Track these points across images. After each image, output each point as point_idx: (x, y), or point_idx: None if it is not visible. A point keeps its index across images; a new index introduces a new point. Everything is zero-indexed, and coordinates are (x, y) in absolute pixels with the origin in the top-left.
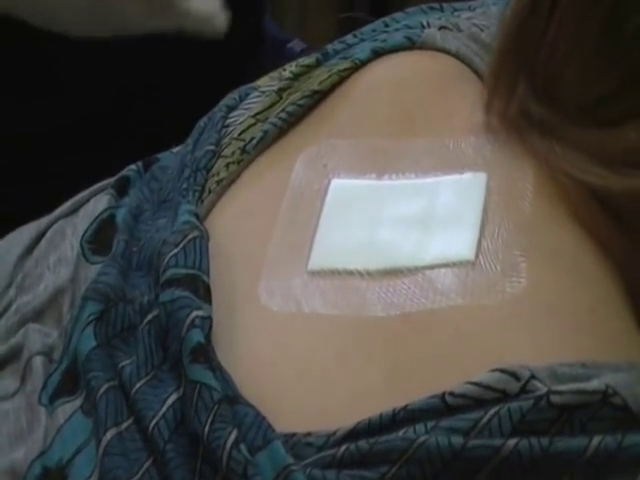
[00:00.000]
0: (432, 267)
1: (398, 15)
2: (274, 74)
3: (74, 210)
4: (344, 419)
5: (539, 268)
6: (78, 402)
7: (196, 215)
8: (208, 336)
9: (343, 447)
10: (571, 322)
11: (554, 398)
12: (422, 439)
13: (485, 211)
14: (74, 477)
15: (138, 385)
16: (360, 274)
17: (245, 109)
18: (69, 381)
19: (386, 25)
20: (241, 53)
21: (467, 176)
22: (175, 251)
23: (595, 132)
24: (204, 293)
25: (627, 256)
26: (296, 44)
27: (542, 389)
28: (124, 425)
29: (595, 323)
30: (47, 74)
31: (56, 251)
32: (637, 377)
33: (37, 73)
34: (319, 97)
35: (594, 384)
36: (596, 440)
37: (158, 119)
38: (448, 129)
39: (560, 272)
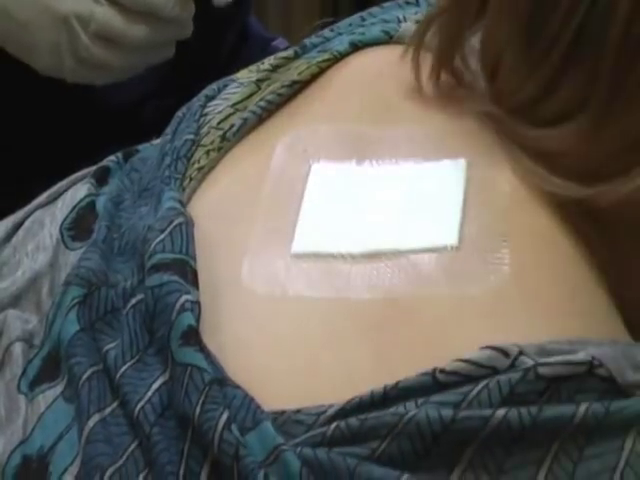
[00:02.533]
0: (416, 252)
1: (374, 10)
2: (252, 67)
3: (52, 200)
4: (333, 398)
5: (520, 253)
6: (59, 388)
7: (180, 201)
8: (197, 320)
9: (333, 425)
10: (554, 307)
11: (542, 369)
12: (412, 413)
13: (465, 196)
14: (55, 465)
15: (123, 369)
16: (343, 257)
17: (224, 99)
18: (50, 366)
19: (363, 19)
20: (226, 51)
21: (447, 162)
22: (161, 237)
23: (532, 130)
24: (192, 278)
25: (606, 250)
26: (280, 42)
27: (530, 363)
28: (108, 410)
29: (578, 307)
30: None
31: (34, 239)
32: (621, 351)
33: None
34: (298, 87)
35: (580, 355)
36: (584, 406)
37: (146, 116)
38: (427, 118)
39: (540, 256)
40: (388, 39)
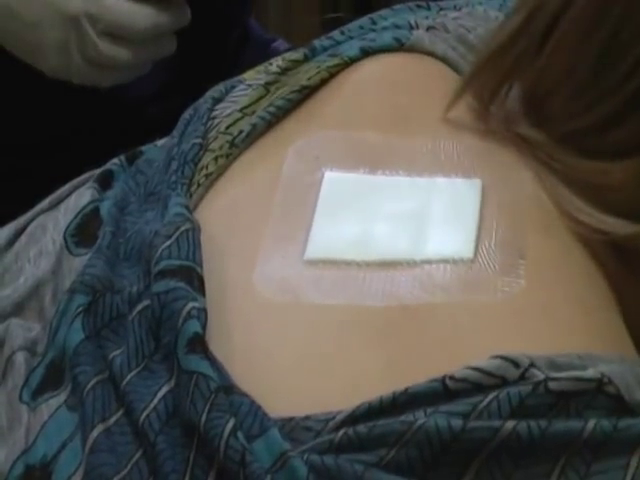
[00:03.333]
0: (431, 262)
1: (385, 12)
2: (260, 68)
3: (55, 205)
4: (343, 405)
5: (536, 269)
6: (63, 397)
7: (187, 207)
8: (204, 327)
9: (341, 432)
10: (566, 323)
11: (552, 384)
12: (421, 422)
13: (482, 212)
14: (59, 473)
15: (129, 377)
16: (358, 264)
17: (231, 102)
18: (53, 374)
19: (373, 22)
20: (227, 53)
21: (462, 180)
22: (168, 243)
23: (580, 162)
24: (198, 285)
25: (622, 277)
26: (280, 44)
27: (540, 376)
28: (112, 419)
29: (589, 325)
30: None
31: (37, 245)
32: (630, 369)
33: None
34: (308, 92)
35: (590, 372)
36: (592, 422)
37: (146, 118)
38: (440, 131)
39: (556, 274)
40: (399, 46)
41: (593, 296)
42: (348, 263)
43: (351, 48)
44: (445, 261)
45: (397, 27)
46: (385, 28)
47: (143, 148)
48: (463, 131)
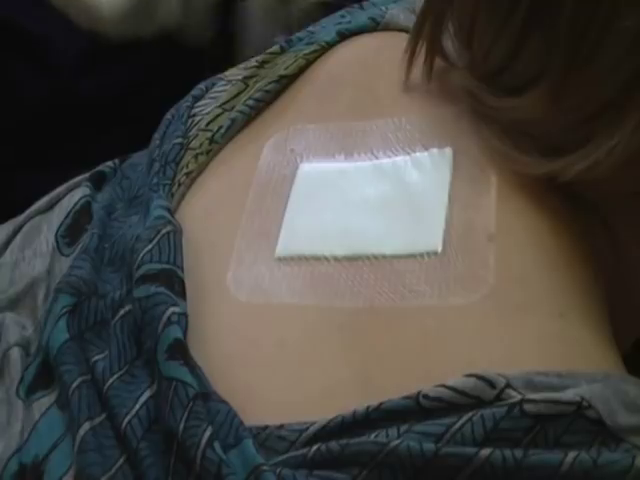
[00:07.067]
0: (399, 257)
1: (365, 4)
2: (241, 65)
3: (50, 206)
4: (316, 413)
5: (506, 259)
6: (53, 396)
7: (168, 209)
8: (185, 333)
9: (314, 447)
10: (541, 326)
11: (527, 407)
12: (394, 444)
13: (451, 192)
14: (50, 474)
15: (111, 381)
16: (327, 259)
17: (211, 98)
18: (44, 374)
19: (342, 16)
20: (226, 48)
21: (433, 152)
22: (149, 247)
23: (499, 100)
24: (179, 289)
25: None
26: (282, 38)
27: (516, 397)
28: (97, 420)
29: (565, 329)
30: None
31: (31, 245)
32: (613, 390)
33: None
34: (286, 82)
35: (569, 395)
36: (571, 456)
37: (148, 113)
38: (415, 107)
39: (529, 263)
40: (375, 26)
41: (569, 294)
42: (318, 258)
43: (328, 33)
44: (413, 256)
45: (374, 5)
46: (362, 8)
47: (135, 154)
48: (437, 102)
